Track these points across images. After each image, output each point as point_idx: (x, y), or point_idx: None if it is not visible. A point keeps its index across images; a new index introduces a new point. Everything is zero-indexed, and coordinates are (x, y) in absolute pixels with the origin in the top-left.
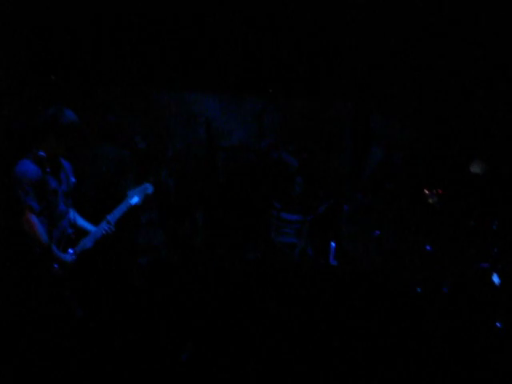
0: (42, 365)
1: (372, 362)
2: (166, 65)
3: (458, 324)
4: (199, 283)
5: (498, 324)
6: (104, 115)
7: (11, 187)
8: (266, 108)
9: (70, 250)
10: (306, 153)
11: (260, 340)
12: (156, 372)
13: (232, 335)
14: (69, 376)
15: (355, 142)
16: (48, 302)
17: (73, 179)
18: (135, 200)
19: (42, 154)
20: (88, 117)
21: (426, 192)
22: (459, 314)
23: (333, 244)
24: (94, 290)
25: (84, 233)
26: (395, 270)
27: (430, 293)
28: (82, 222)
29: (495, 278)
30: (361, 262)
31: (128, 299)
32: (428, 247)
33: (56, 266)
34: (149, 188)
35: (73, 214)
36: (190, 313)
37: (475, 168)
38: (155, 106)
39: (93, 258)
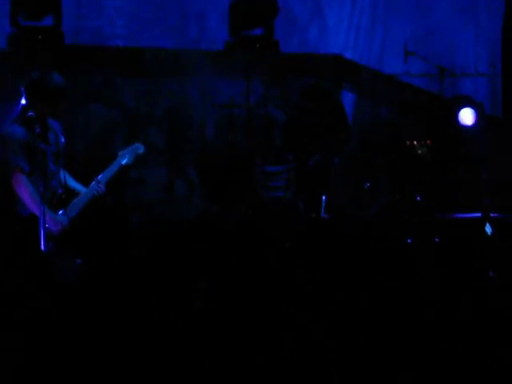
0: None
1: (366, 316)
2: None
3: (450, 274)
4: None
5: (490, 273)
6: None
7: (2, 149)
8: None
9: (61, 211)
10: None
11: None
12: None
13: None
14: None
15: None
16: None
17: (62, 139)
18: (126, 160)
19: (30, 114)
20: (76, 77)
21: (415, 143)
22: (451, 263)
23: (323, 197)
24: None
25: (75, 193)
26: (387, 221)
27: (422, 243)
28: (72, 183)
29: (487, 228)
30: (352, 214)
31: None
32: (418, 197)
33: (48, 226)
34: (140, 148)
35: (63, 175)
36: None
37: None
38: (145, 64)
39: (85, 219)
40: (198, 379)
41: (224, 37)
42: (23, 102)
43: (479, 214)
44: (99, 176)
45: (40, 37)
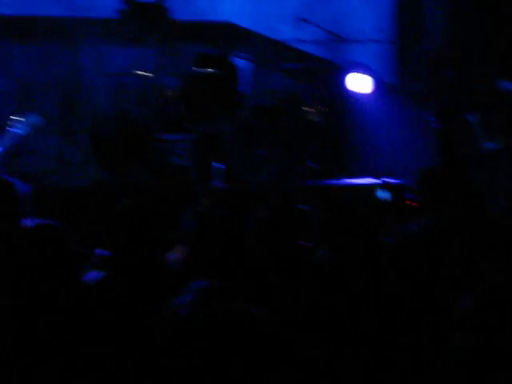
0: None
1: None
2: None
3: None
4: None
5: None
6: None
7: None
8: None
9: None
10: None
11: None
12: None
13: None
14: None
15: None
16: None
17: None
18: (21, 130)
19: None
20: None
21: (308, 109)
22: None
23: (217, 165)
24: None
25: None
26: (280, 188)
27: (313, 211)
28: None
29: (381, 193)
30: (247, 182)
31: None
32: (311, 164)
33: None
34: (34, 119)
35: None
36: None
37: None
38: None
39: None
40: None
41: (115, 4)
42: None
43: (372, 181)
44: None
45: None
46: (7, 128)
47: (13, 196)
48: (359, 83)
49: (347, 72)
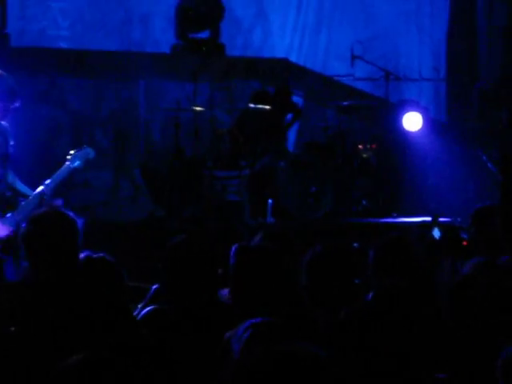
0: None
1: None
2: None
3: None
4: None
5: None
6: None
7: None
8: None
9: (8, 215)
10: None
11: None
12: None
13: None
14: None
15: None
16: None
17: (11, 142)
18: (76, 164)
19: None
20: (22, 78)
21: (360, 147)
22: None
23: (270, 201)
24: None
25: (23, 197)
26: (333, 225)
27: (366, 249)
28: (20, 186)
29: (435, 232)
30: (298, 218)
31: None
32: (364, 201)
33: None
34: (90, 153)
35: (11, 178)
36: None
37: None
38: (89, 66)
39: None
40: None
41: (169, 39)
42: None
43: (425, 219)
44: (48, 180)
45: None
46: (62, 161)
47: (74, 230)
48: (412, 121)
49: (400, 110)
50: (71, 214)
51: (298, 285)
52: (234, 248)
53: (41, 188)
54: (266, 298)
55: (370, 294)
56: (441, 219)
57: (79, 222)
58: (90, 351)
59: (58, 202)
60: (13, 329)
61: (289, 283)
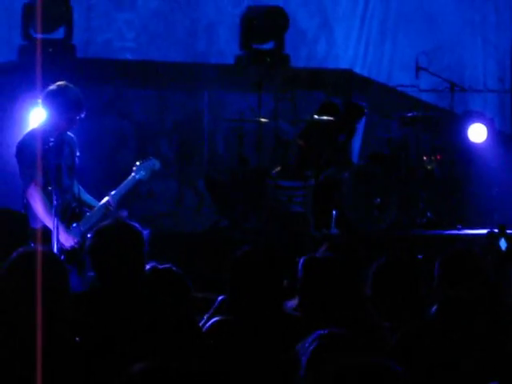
0: None
1: None
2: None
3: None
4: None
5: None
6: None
7: (17, 161)
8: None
9: (74, 225)
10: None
11: None
12: None
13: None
14: None
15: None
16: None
17: (77, 153)
18: (141, 175)
19: (45, 128)
20: (87, 89)
21: (425, 158)
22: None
23: (334, 212)
24: None
25: (88, 207)
26: (397, 237)
27: (430, 260)
28: (85, 197)
29: (502, 244)
30: (362, 230)
31: None
32: (428, 213)
33: (60, 240)
34: (156, 164)
35: (77, 189)
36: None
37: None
38: (154, 77)
39: None
40: None
41: (233, 50)
42: (39, 114)
43: (491, 230)
44: (113, 191)
45: (51, 49)
46: (127, 171)
47: (140, 242)
48: (476, 132)
49: (464, 121)
50: (137, 225)
51: (364, 297)
52: (301, 260)
53: (106, 199)
54: (335, 309)
55: (435, 307)
56: (508, 231)
57: (145, 233)
58: (153, 360)
59: (124, 213)
60: (78, 339)
61: (356, 295)
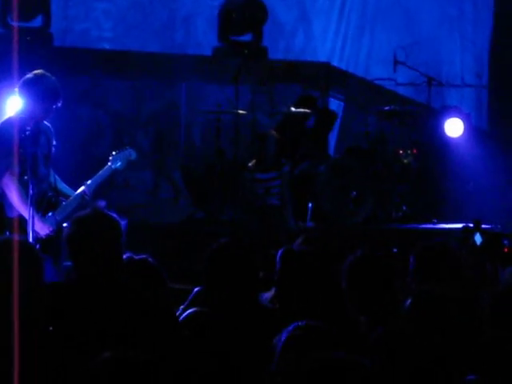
0: None
1: None
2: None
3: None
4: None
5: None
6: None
7: None
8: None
9: (50, 213)
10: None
11: None
12: None
13: None
14: None
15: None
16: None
17: (53, 142)
18: (118, 165)
19: (21, 117)
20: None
21: (401, 152)
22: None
23: (310, 205)
24: None
25: (64, 197)
26: (372, 231)
27: (405, 253)
28: (61, 186)
29: (477, 238)
30: (338, 223)
31: None
32: (404, 207)
33: (36, 228)
34: (132, 154)
35: (53, 178)
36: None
37: None
38: (131, 67)
39: None
40: None
41: (211, 42)
42: (16, 103)
43: (466, 225)
44: (89, 180)
45: (28, 38)
46: (103, 161)
47: (118, 232)
48: (453, 127)
49: (441, 116)
50: (115, 215)
51: (340, 290)
52: (279, 252)
53: (82, 188)
54: (311, 302)
55: (409, 300)
56: (482, 225)
57: (123, 223)
58: (116, 351)
59: (102, 204)
60: (51, 328)
61: (332, 288)
